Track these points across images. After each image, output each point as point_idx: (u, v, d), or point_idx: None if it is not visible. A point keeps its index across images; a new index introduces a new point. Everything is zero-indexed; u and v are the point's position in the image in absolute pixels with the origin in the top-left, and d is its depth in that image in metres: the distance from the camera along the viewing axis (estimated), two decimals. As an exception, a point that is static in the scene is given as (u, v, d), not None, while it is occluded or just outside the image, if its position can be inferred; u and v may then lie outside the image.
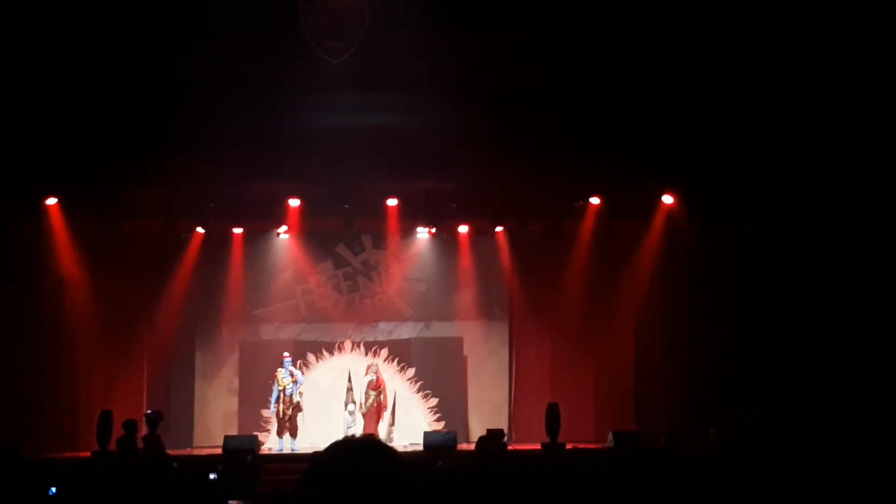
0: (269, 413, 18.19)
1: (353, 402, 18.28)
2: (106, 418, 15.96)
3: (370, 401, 17.92)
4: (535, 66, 16.02)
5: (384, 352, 19.35)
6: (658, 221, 18.52)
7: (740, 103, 15.79)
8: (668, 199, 18.30)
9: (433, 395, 19.30)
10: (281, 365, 17.84)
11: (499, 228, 19.46)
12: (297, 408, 17.78)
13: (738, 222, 17.88)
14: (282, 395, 17.71)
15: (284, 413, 17.70)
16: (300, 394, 17.84)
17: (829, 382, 16.54)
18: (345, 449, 2.03)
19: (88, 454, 16.02)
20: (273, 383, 17.86)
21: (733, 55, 15.56)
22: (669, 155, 16.25)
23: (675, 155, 16.24)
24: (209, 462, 15.01)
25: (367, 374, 18.22)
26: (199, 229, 18.99)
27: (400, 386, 18.81)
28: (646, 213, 18.52)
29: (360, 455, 1.99)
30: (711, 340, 18.08)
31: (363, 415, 17.94)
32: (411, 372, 19.38)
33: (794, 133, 15.81)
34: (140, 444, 15.90)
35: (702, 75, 15.78)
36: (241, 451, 15.92)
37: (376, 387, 17.95)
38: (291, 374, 17.78)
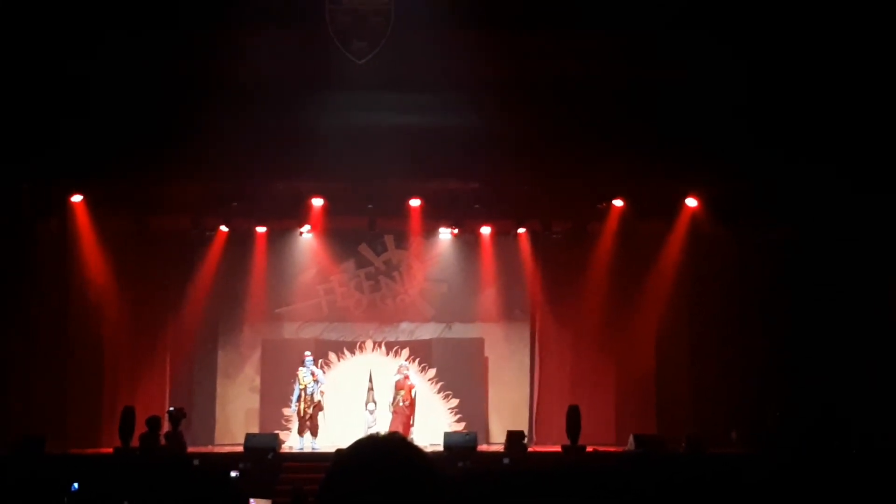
0: (291, 412, 18.24)
1: (374, 402, 18.29)
2: (129, 415, 16.07)
3: (396, 398, 17.90)
4: (560, 66, 15.97)
5: (405, 352, 19.36)
6: (681, 224, 18.46)
7: (763, 105, 15.69)
8: (691, 201, 18.23)
9: (454, 396, 19.29)
10: (302, 364, 17.87)
11: (521, 230, 19.42)
12: (318, 407, 17.80)
13: (762, 225, 17.80)
14: (303, 394, 17.73)
15: (305, 412, 17.72)
16: (321, 393, 17.85)
17: (855, 389, 16.43)
18: (370, 446, 2.03)
19: (111, 450, 16.12)
20: (294, 382, 17.89)
21: (756, 55, 15.47)
22: (693, 158, 16.16)
23: (699, 158, 16.16)
24: (231, 460, 15.08)
25: (397, 373, 18.20)
26: (223, 227, 19.07)
27: (421, 386, 18.79)
28: (669, 215, 18.46)
29: (385, 452, 1.99)
30: (733, 343, 18.00)
31: (392, 412, 17.92)
32: (432, 372, 19.39)
33: (819, 134, 15.69)
34: (162, 441, 16.03)
35: (725, 76, 15.69)
36: (263, 450, 15.98)
37: (400, 387, 17.94)
38: (312, 374, 17.80)
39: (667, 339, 18.78)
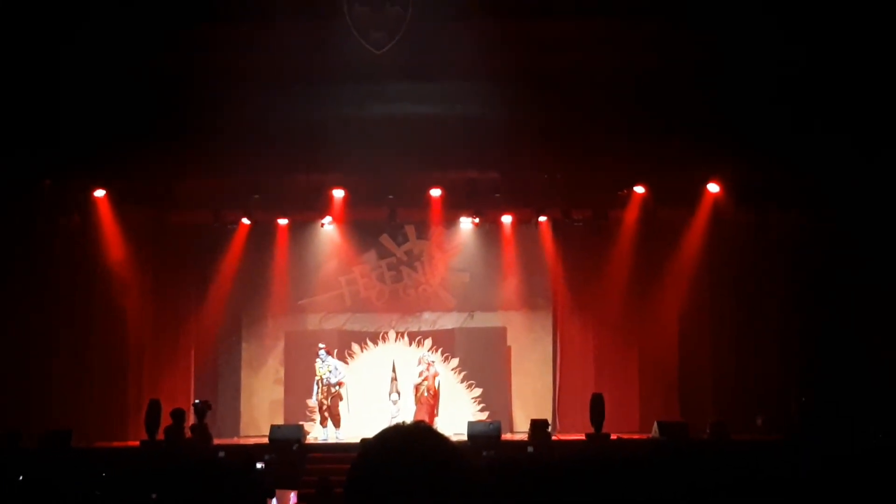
0: (313, 403, 18.31)
1: (398, 392, 18.32)
2: (154, 408, 16.16)
3: (420, 389, 17.93)
4: (580, 55, 15.91)
5: (428, 342, 19.38)
6: (703, 210, 18.38)
7: (785, 90, 15.58)
8: (713, 187, 18.15)
9: (477, 386, 19.30)
10: (317, 356, 17.92)
11: (542, 218, 19.36)
12: (338, 397, 17.83)
13: (784, 211, 17.70)
14: (320, 385, 17.80)
15: (323, 403, 17.78)
16: (340, 384, 17.85)
17: (879, 373, 16.33)
18: (395, 436, 2.03)
19: (137, 443, 16.23)
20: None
21: (776, 39, 15.36)
22: (715, 143, 16.08)
23: (721, 143, 16.07)
24: (256, 451, 15.15)
25: (419, 364, 18.23)
26: (245, 220, 19.10)
27: (444, 376, 18.80)
28: (691, 201, 18.38)
29: (411, 441, 2.00)
30: (756, 329, 17.92)
31: (415, 403, 17.95)
32: (455, 362, 19.40)
33: (842, 118, 15.56)
34: (188, 434, 16.13)
35: (744, 61, 15.59)
36: (287, 441, 16.05)
37: (424, 377, 17.96)
38: (329, 372, 17.81)
39: (689, 326, 18.71)
